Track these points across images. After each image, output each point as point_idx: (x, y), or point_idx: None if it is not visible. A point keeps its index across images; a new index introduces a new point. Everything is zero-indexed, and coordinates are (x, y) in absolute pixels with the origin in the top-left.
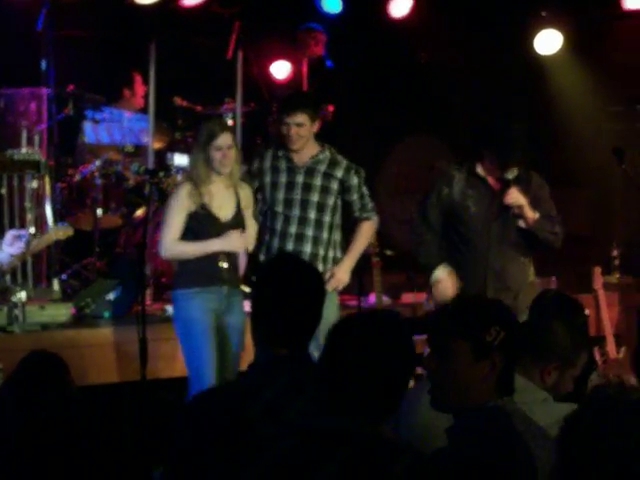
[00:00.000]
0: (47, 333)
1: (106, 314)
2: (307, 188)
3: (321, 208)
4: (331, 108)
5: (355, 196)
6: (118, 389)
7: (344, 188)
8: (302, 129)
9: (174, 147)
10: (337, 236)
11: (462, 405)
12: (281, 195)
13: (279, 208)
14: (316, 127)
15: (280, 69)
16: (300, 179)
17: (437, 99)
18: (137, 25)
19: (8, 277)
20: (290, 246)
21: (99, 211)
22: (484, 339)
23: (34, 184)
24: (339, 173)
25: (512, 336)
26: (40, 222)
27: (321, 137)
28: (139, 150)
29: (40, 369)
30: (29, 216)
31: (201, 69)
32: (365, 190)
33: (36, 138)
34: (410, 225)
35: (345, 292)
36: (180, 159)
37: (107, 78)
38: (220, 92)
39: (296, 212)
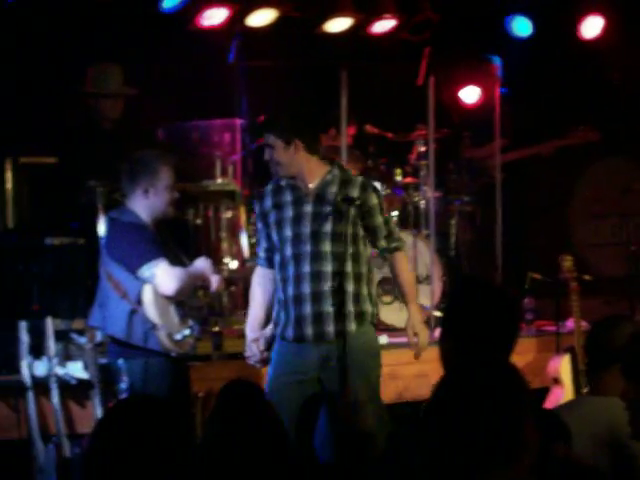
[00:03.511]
0: (246, 362)
1: None
2: (317, 217)
3: (338, 238)
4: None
5: (379, 220)
6: None
7: (363, 211)
8: (276, 152)
9: (366, 174)
10: (365, 269)
11: None
12: (289, 232)
13: (288, 247)
14: (298, 148)
15: (469, 94)
16: (309, 209)
17: (631, 120)
18: (328, 53)
19: (206, 308)
20: (307, 288)
21: None
22: None
23: (229, 214)
24: (354, 192)
25: None
26: (235, 252)
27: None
28: None
29: (241, 397)
30: (224, 246)
31: (391, 96)
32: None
33: (230, 169)
34: None
35: (542, 317)
36: None
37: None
38: (411, 118)
39: (307, 248)
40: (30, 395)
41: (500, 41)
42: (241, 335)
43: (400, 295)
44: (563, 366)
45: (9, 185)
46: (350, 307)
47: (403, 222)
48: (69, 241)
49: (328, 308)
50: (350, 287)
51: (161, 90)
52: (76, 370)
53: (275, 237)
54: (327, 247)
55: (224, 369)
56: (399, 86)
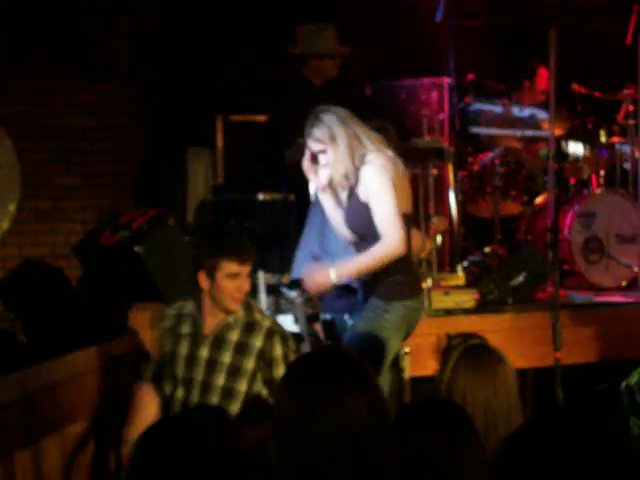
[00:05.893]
0: (452, 318)
1: (509, 300)
2: (211, 366)
3: (228, 395)
4: None
5: (281, 372)
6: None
7: (264, 362)
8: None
9: (571, 134)
10: None
11: None
12: (180, 371)
13: (178, 388)
14: (201, 280)
15: None
16: (204, 353)
17: None
18: (536, 12)
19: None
20: None
21: (499, 198)
22: None
23: (436, 172)
24: (257, 340)
25: None
26: (442, 210)
27: None
28: (537, 137)
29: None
30: (431, 204)
31: (600, 54)
32: None
33: (437, 127)
34: None
35: None
36: (575, 147)
37: (506, 66)
38: (620, 77)
39: (195, 397)
40: None
41: None
42: (447, 292)
43: None
44: None
45: (220, 143)
46: None
47: (609, 182)
48: (280, 197)
49: None
50: None
51: (369, 48)
52: (286, 323)
53: (167, 366)
54: (215, 399)
55: (431, 325)
56: (608, 45)
